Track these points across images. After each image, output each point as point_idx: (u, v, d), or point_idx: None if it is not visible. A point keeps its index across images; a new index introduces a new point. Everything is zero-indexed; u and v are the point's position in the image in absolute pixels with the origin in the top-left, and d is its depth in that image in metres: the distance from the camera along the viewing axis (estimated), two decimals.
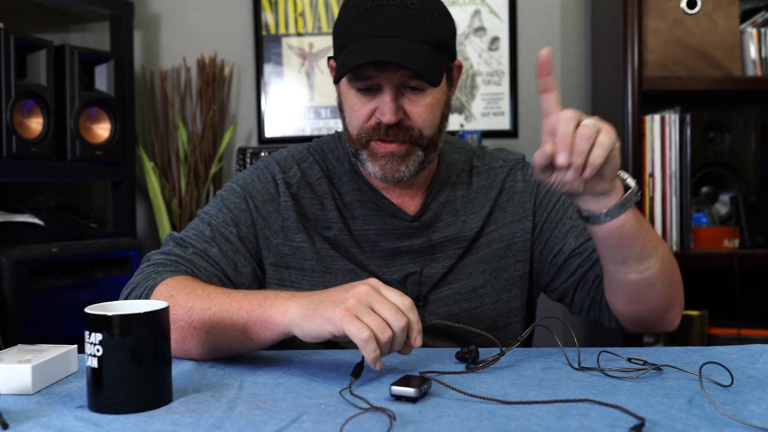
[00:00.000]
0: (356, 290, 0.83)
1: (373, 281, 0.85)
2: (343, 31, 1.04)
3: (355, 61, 0.98)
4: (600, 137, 0.83)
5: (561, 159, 0.83)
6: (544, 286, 1.19)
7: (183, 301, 0.94)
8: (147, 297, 0.98)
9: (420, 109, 1.04)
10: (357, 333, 0.80)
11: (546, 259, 1.16)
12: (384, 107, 1.02)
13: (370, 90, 1.03)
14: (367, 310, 0.82)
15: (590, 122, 0.83)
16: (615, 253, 0.96)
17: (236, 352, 0.94)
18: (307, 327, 0.84)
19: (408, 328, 0.83)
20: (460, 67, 1.12)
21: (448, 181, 1.17)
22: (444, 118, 1.10)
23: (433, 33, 1.01)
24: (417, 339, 0.84)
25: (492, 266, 1.15)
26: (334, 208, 1.12)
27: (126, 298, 1.03)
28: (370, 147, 1.06)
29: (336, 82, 1.05)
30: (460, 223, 1.14)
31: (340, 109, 1.11)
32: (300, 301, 0.86)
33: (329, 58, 1.12)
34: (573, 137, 0.83)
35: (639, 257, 0.97)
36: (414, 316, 0.84)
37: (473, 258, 1.14)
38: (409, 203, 1.14)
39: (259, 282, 1.12)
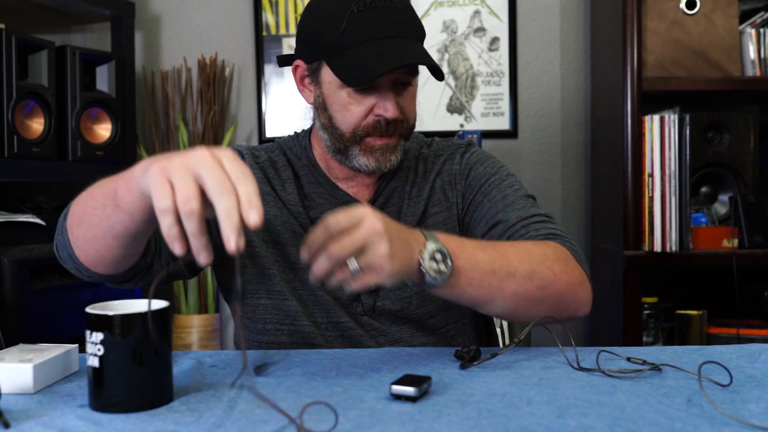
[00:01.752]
0: (193, 152, 0.72)
1: (211, 150, 0.72)
2: (336, 34, 1.04)
3: (383, 65, 1.00)
4: (353, 284, 0.83)
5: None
6: None
7: (83, 197, 0.89)
8: (65, 218, 0.93)
9: (409, 102, 1.11)
10: (156, 200, 0.69)
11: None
12: (387, 104, 1.06)
13: (365, 88, 1.06)
14: (186, 174, 0.69)
15: (353, 267, 0.82)
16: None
17: (115, 229, 0.84)
18: (141, 181, 0.75)
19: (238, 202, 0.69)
20: None
21: (400, 167, 1.21)
22: None
23: (420, 31, 1.08)
24: (249, 216, 0.68)
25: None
26: (295, 192, 1.17)
27: (55, 239, 0.98)
28: (364, 142, 1.09)
29: (363, 84, 1.03)
30: (405, 206, 1.18)
31: (323, 108, 1.11)
32: (153, 157, 0.77)
33: (292, 58, 1.14)
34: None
35: (474, 306, 0.99)
36: (245, 188, 0.69)
37: None
38: (364, 192, 1.18)
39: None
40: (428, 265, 0.88)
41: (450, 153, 1.24)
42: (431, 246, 0.89)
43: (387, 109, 1.06)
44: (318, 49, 1.08)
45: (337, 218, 0.82)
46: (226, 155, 0.72)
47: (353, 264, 0.82)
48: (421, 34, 1.08)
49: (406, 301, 1.14)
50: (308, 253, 0.83)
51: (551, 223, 1.12)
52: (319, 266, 0.83)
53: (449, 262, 0.90)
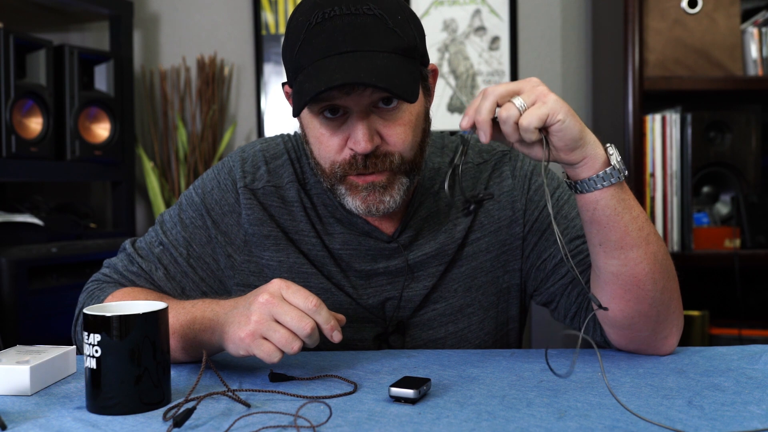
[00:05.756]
0: (257, 303, 0.82)
1: (275, 285, 0.83)
2: (293, 54, 0.90)
3: (312, 88, 0.85)
4: (523, 117, 0.79)
5: (481, 137, 0.81)
6: (531, 291, 1.08)
7: None
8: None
9: (397, 130, 0.92)
10: (267, 358, 0.81)
11: (533, 264, 1.05)
12: (356, 135, 0.89)
13: (336, 114, 0.91)
14: (271, 325, 0.81)
15: (518, 102, 0.80)
16: (591, 231, 0.88)
17: (183, 362, 0.95)
18: (229, 350, 0.85)
19: (319, 327, 0.82)
20: (435, 72, 1.00)
21: (430, 191, 1.05)
22: (425, 134, 0.98)
23: (399, 39, 0.88)
24: (334, 336, 0.83)
25: (478, 281, 1.05)
26: (305, 218, 1.03)
27: (76, 318, 1.03)
28: (347, 181, 0.94)
29: (295, 115, 0.90)
30: (442, 236, 1.03)
31: (306, 142, 0.98)
32: (219, 321, 0.86)
33: (283, 84, 1.00)
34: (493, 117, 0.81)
35: (619, 244, 0.87)
36: (322, 317, 0.82)
37: (457, 272, 1.04)
38: (387, 222, 1.03)
39: None
40: (614, 151, 0.85)
41: (494, 164, 1.07)
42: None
43: (357, 141, 0.89)
44: (287, 70, 0.95)
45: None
46: (290, 291, 0.82)
47: (517, 99, 0.80)
48: (398, 42, 0.88)
49: (439, 343, 1.04)
50: (467, 119, 0.81)
51: None
52: (481, 111, 0.80)
53: (624, 165, 0.86)
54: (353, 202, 0.95)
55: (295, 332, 0.81)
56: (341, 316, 0.87)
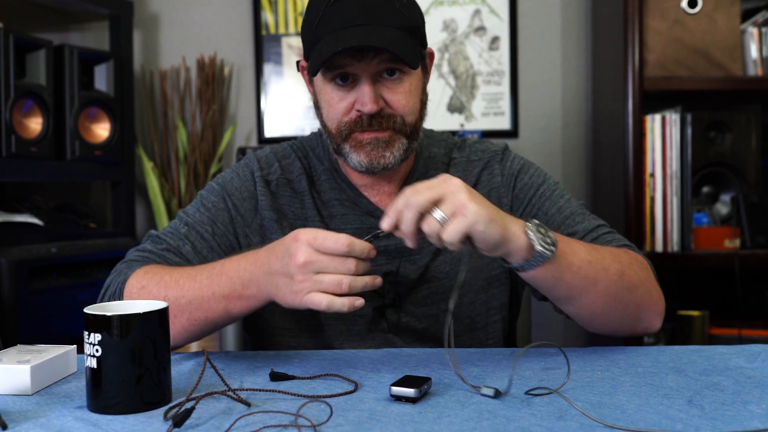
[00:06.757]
0: (295, 262, 0.85)
1: (303, 238, 0.86)
2: (312, 28, 1.03)
3: (330, 50, 0.98)
4: (445, 233, 0.83)
5: (408, 244, 0.86)
6: (524, 284, 1.14)
7: (156, 292, 0.98)
8: (120, 293, 1.01)
9: (399, 96, 1.04)
10: (318, 307, 0.85)
11: None
12: (363, 97, 1.02)
13: (346, 81, 1.03)
14: (314, 278, 0.85)
15: (438, 215, 0.83)
16: (540, 290, 0.97)
17: (219, 328, 1.00)
18: (284, 303, 0.89)
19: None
20: (431, 55, 1.12)
21: (426, 175, 1.13)
22: (423, 105, 1.10)
23: (404, 19, 1.02)
24: (369, 251, 0.87)
25: (469, 265, 1.11)
26: (312, 206, 1.13)
27: (101, 299, 1.06)
28: (352, 137, 1.05)
29: (313, 74, 1.04)
30: None
31: (317, 107, 1.11)
32: (265, 279, 0.91)
33: (298, 61, 1.12)
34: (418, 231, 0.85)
35: (566, 298, 0.97)
36: (357, 247, 0.85)
37: (449, 256, 1.12)
38: (387, 201, 1.12)
39: None
40: (536, 235, 0.88)
41: (486, 161, 1.17)
42: (534, 221, 0.89)
43: (364, 102, 1.01)
44: (305, 45, 1.07)
45: (415, 186, 0.85)
46: (320, 237, 0.85)
47: (437, 212, 0.83)
48: (403, 21, 1.02)
49: (432, 319, 1.10)
50: (388, 222, 0.86)
51: (617, 234, 1.10)
52: (405, 222, 0.84)
53: (553, 236, 0.89)
54: (357, 158, 1.05)
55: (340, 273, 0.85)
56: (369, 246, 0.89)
